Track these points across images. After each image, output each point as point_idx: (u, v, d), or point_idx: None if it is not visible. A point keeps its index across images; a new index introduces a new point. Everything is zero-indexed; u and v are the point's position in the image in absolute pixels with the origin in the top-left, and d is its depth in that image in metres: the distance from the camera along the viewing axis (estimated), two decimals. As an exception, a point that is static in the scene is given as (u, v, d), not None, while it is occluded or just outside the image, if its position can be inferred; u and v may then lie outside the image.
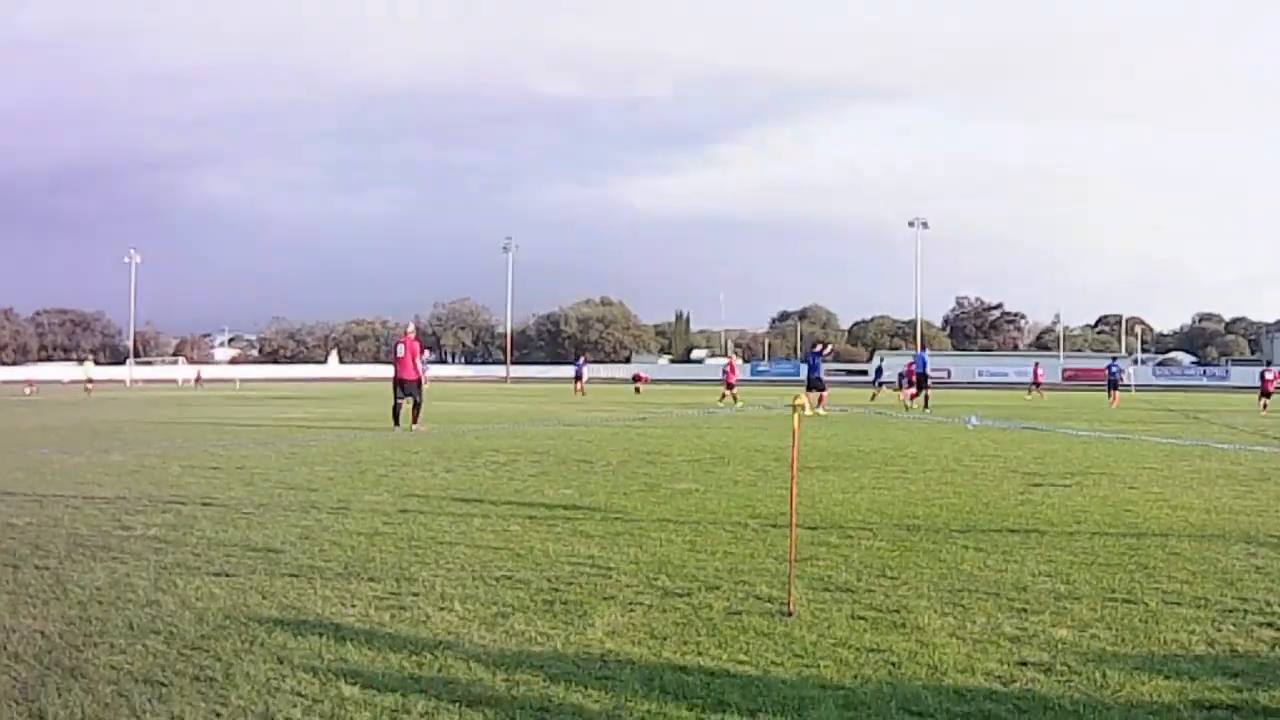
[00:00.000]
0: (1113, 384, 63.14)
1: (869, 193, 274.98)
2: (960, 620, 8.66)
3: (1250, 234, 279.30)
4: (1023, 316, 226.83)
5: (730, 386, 58.33)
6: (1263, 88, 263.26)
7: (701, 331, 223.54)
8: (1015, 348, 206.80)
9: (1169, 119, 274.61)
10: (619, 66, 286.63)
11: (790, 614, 8.79)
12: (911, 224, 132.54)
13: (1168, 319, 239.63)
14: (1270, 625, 8.59)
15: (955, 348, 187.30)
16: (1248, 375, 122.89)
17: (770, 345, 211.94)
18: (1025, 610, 9.00)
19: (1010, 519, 14.25)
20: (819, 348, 45.52)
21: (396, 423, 31.56)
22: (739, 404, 53.28)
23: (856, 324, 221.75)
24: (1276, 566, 11.02)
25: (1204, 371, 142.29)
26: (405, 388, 32.16)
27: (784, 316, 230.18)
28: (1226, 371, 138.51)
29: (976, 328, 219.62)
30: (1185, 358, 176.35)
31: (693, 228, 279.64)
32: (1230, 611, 9.02)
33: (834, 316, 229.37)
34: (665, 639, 8.09)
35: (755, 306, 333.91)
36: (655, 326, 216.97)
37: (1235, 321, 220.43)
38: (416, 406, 31.73)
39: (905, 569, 10.70)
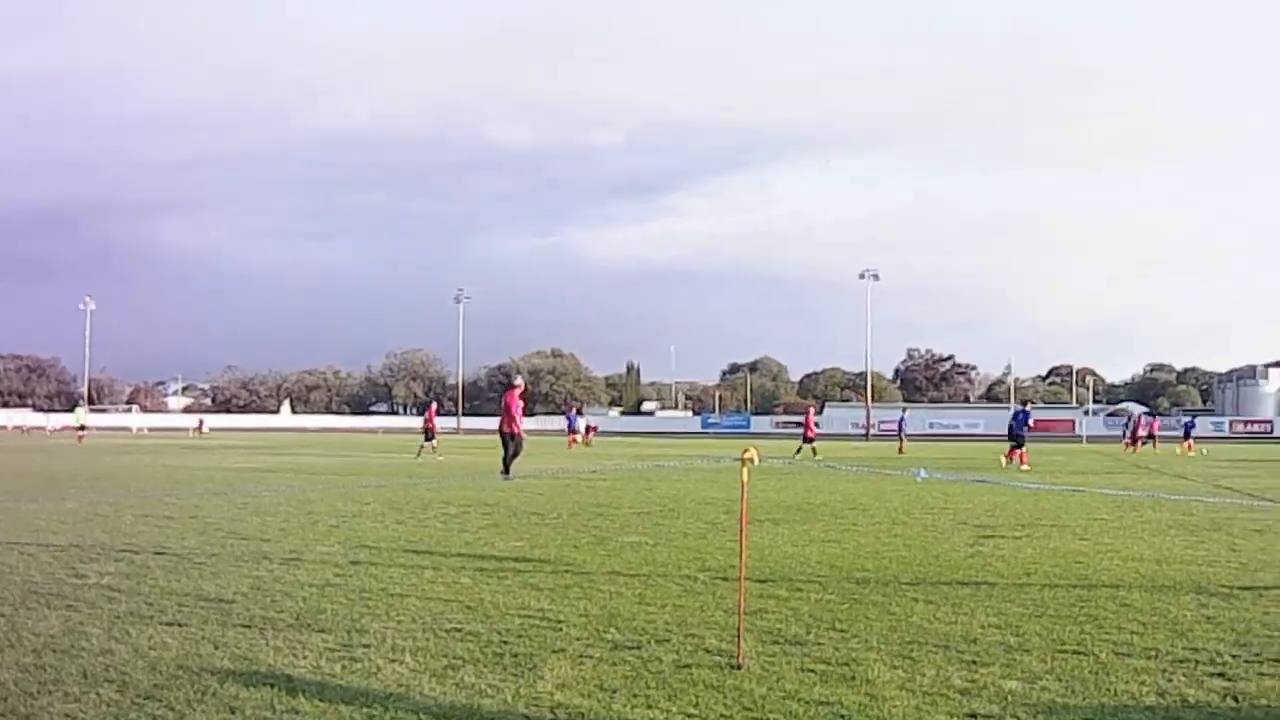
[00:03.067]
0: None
1: (821, 244, 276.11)
2: (910, 673, 8.82)
3: (1203, 284, 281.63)
4: (973, 368, 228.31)
5: (809, 440, 58.82)
6: (1216, 137, 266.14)
7: (652, 383, 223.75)
8: (966, 399, 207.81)
9: (1123, 169, 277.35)
10: (573, 116, 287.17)
11: (740, 667, 8.92)
12: (863, 275, 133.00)
13: (1119, 370, 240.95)
14: (1222, 675, 8.81)
15: (906, 399, 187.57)
16: (1200, 426, 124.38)
17: (721, 398, 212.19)
18: (975, 662, 9.17)
19: (960, 571, 14.46)
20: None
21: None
22: (818, 457, 53.89)
23: (807, 376, 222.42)
24: (1228, 616, 11.25)
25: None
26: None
27: (734, 369, 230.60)
28: (1178, 421, 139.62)
29: (927, 379, 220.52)
30: (1136, 408, 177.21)
31: (645, 279, 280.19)
32: (1181, 662, 9.23)
33: (784, 369, 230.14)
34: (614, 692, 8.22)
35: (706, 358, 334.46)
36: (606, 378, 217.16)
37: (1187, 372, 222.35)
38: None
39: (855, 622, 10.85)
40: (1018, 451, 46.22)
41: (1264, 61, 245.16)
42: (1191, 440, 69.13)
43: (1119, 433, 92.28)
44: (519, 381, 34.77)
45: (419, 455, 51.40)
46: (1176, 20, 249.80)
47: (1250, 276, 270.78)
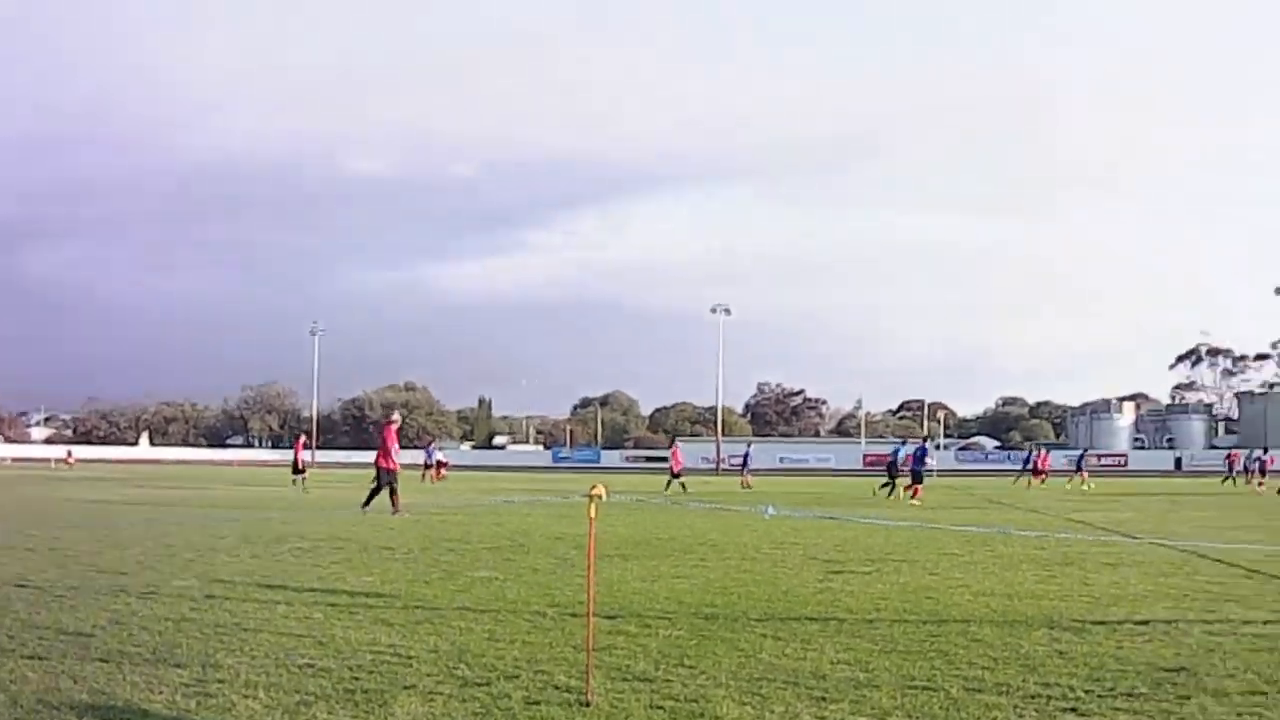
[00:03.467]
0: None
1: (673, 278, 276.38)
2: (759, 710, 8.74)
3: (1055, 319, 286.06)
4: (824, 402, 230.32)
5: (676, 475, 58.43)
6: (1068, 178, 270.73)
7: (504, 417, 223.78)
8: (817, 434, 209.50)
9: (976, 205, 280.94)
10: (428, 148, 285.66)
11: (589, 704, 8.86)
12: (714, 310, 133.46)
13: (971, 404, 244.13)
14: (1074, 710, 8.83)
15: (756, 434, 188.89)
16: (1052, 459, 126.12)
17: (572, 432, 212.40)
18: (824, 699, 9.10)
19: (809, 607, 14.42)
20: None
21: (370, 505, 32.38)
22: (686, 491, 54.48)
23: (658, 410, 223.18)
24: (1080, 651, 11.29)
25: (1008, 456, 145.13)
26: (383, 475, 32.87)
27: (586, 403, 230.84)
28: (1030, 456, 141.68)
29: (778, 414, 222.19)
30: (988, 442, 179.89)
31: (497, 313, 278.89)
32: (1033, 698, 9.23)
33: (635, 403, 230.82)
34: None
35: (557, 393, 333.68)
36: (458, 412, 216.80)
37: (1040, 405, 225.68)
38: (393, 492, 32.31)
39: (703, 658, 10.78)
40: (917, 487, 46.50)
41: (1113, 104, 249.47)
42: (1086, 473, 69.86)
43: (976, 467, 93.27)
44: (396, 417, 35.07)
45: (303, 489, 51.05)
46: (1038, 60, 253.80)
47: (1103, 312, 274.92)
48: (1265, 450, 76.88)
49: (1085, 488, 64.73)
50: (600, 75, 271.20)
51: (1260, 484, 60.17)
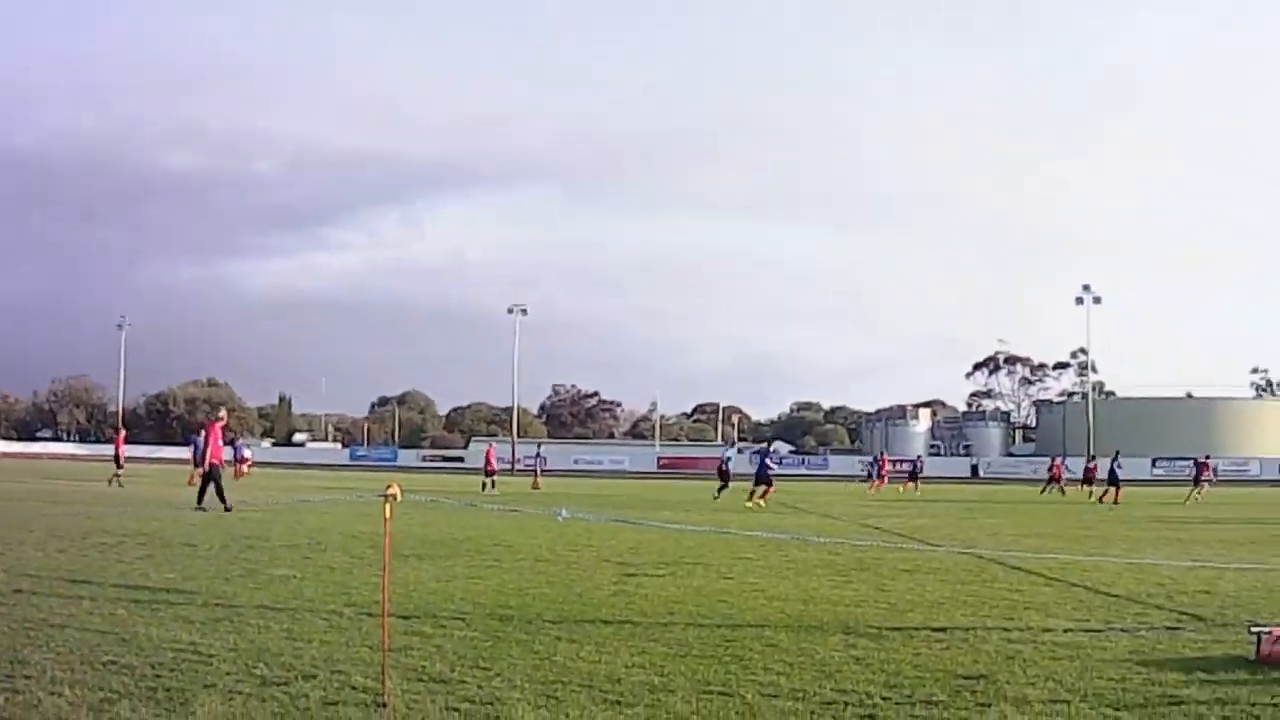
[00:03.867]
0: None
1: (472, 278, 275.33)
2: (554, 713, 8.72)
3: (851, 326, 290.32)
4: (619, 404, 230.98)
5: (490, 474, 58.68)
6: (860, 187, 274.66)
7: (304, 415, 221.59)
8: (611, 435, 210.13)
9: (771, 213, 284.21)
10: (235, 145, 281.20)
11: (385, 705, 8.83)
12: (511, 310, 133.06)
13: (766, 409, 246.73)
14: (872, 718, 8.87)
15: (551, 435, 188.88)
16: (847, 464, 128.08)
17: (369, 430, 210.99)
18: (619, 703, 9.09)
19: (603, 610, 14.44)
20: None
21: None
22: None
23: (454, 410, 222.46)
24: (876, 657, 11.35)
25: (803, 460, 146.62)
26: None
27: (383, 402, 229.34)
28: (825, 460, 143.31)
29: (573, 415, 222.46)
30: (784, 446, 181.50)
31: (299, 310, 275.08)
32: (829, 704, 9.24)
33: (432, 402, 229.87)
34: None
35: (357, 391, 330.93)
36: (259, 409, 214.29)
37: (835, 410, 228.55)
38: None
39: (498, 660, 10.78)
40: (766, 489, 46.70)
41: (899, 121, 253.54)
42: (917, 481, 70.67)
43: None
44: (222, 414, 35.17)
45: (119, 484, 49.62)
46: (830, 77, 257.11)
47: (898, 320, 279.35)
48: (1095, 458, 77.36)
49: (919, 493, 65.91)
50: (403, 73, 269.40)
51: (1103, 496, 59.78)
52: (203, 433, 34.03)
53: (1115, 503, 53.93)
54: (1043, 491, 69.96)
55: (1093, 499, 57.32)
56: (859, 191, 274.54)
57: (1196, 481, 58.20)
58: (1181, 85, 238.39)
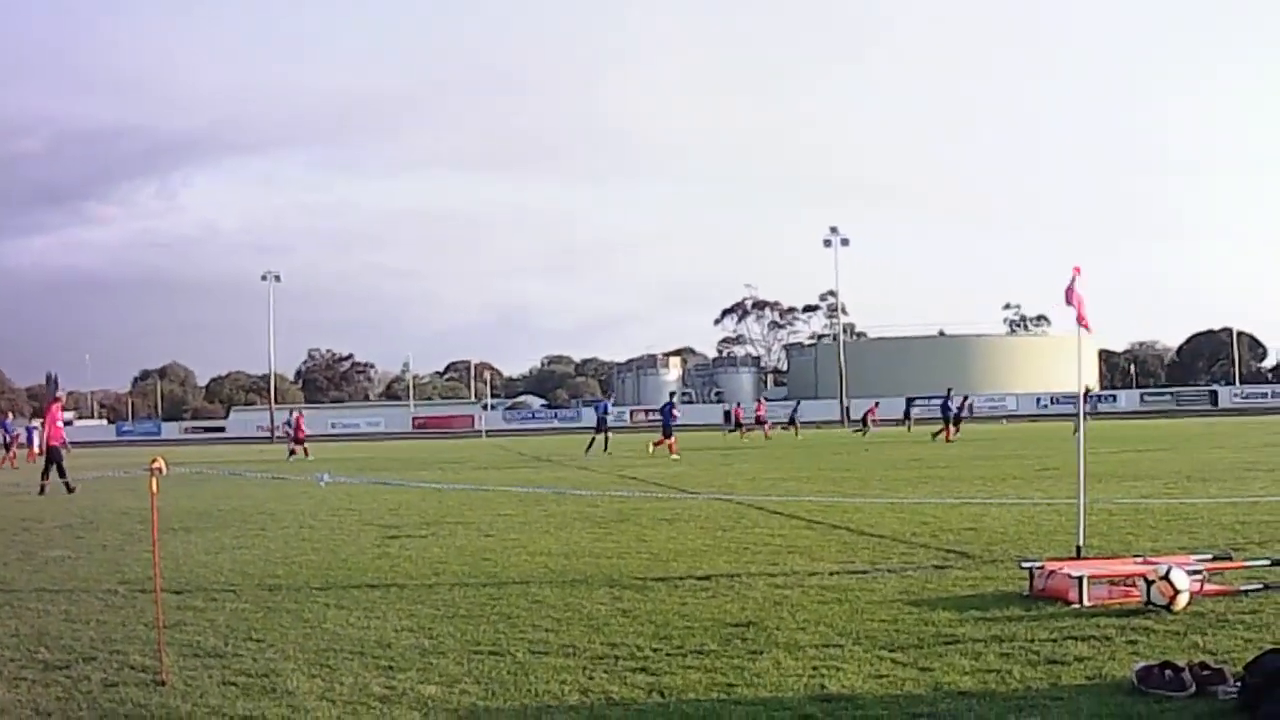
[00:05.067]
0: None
1: (226, 247, 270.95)
2: (329, 682, 8.65)
3: (601, 277, 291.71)
4: (372, 366, 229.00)
5: (300, 442, 57.71)
6: (603, 143, 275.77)
7: (71, 393, 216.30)
8: (366, 398, 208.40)
9: (515, 166, 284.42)
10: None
11: (164, 683, 8.68)
12: (264, 277, 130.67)
13: (518, 364, 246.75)
14: (644, 670, 8.84)
15: (308, 400, 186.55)
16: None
17: (133, 405, 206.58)
18: (392, 668, 9.05)
19: (369, 573, 14.40)
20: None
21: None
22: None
23: (214, 380, 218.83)
24: (643, 609, 11.38)
25: (555, 414, 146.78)
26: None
27: (145, 375, 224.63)
28: (578, 413, 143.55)
29: (328, 379, 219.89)
30: (535, 401, 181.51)
31: (63, 288, 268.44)
32: (600, 659, 9.23)
33: (192, 374, 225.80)
34: (50, 715, 8.02)
35: (120, 366, 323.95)
36: (28, 389, 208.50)
37: (586, 363, 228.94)
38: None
39: (270, 631, 10.68)
40: (668, 441, 47.19)
41: (637, 70, 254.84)
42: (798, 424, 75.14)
43: (523, 426, 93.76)
44: (61, 394, 34.53)
45: None
46: (569, 29, 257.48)
47: (645, 270, 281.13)
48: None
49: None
50: (152, 47, 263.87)
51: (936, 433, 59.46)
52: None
53: (949, 439, 54.61)
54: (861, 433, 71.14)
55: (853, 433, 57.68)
56: (604, 142, 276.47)
57: (954, 420, 58.23)
58: (927, 27, 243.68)
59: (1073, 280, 13.56)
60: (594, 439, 51.19)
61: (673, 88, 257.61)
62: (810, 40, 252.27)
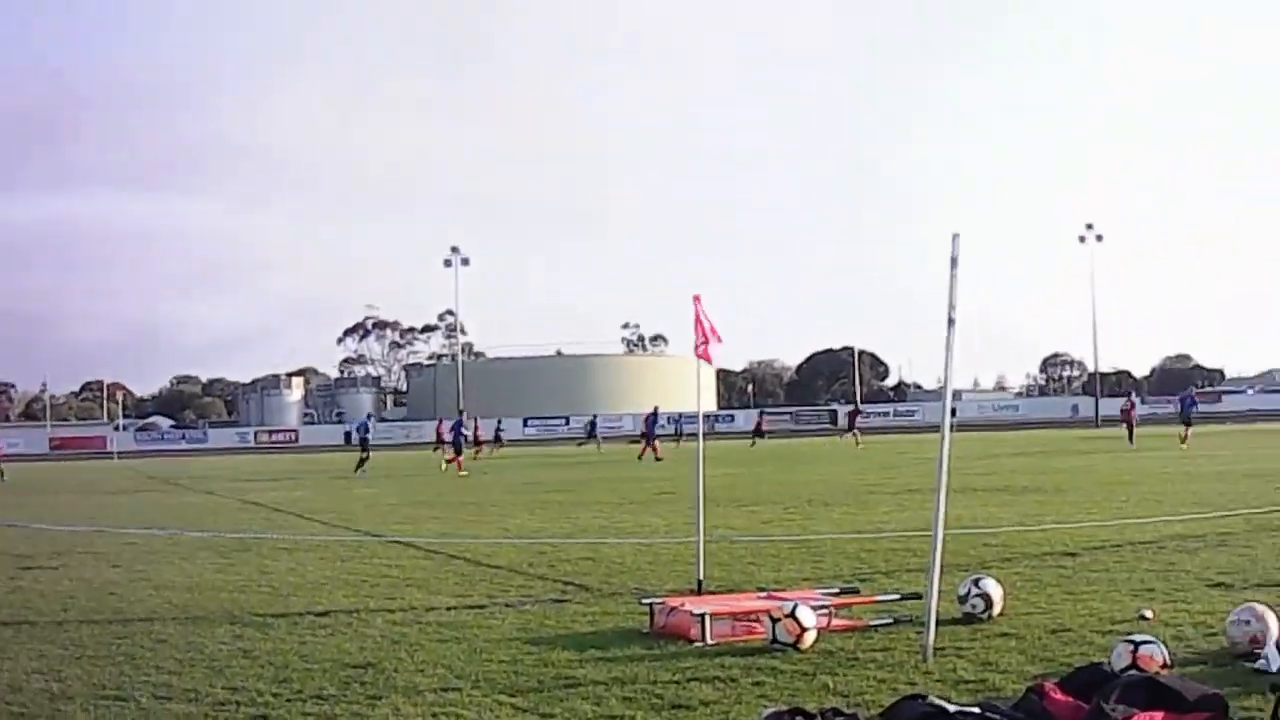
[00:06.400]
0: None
1: None
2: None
3: (228, 296, 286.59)
4: (13, 386, 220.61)
5: None
6: (237, 154, 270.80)
7: None
8: (7, 418, 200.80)
9: (155, 186, 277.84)
10: None
11: None
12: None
13: (147, 384, 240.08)
14: (264, 717, 8.59)
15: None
16: (225, 437, 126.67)
17: None
18: (22, 715, 8.79)
19: (3, 610, 13.99)
20: None
21: None
22: None
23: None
24: (263, 649, 11.10)
25: (183, 435, 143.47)
26: None
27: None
28: (205, 434, 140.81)
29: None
30: (165, 422, 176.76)
31: None
32: (222, 704, 8.96)
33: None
34: None
35: None
36: None
37: (213, 383, 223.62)
38: None
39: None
40: (459, 459, 49.32)
41: (252, 88, 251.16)
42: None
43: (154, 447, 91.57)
44: None
45: None
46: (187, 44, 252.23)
47: (271, 289, 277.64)
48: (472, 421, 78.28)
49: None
50: None
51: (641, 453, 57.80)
52: None
53: (658, 458, 54.23)
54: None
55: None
56: (233, 160, 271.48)
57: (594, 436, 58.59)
58: (535, 43, 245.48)
59: (697, 311, 13.65)
60: (362, 458, 50.07)
61: (300, 106, 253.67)
62: (422, 56, 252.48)
